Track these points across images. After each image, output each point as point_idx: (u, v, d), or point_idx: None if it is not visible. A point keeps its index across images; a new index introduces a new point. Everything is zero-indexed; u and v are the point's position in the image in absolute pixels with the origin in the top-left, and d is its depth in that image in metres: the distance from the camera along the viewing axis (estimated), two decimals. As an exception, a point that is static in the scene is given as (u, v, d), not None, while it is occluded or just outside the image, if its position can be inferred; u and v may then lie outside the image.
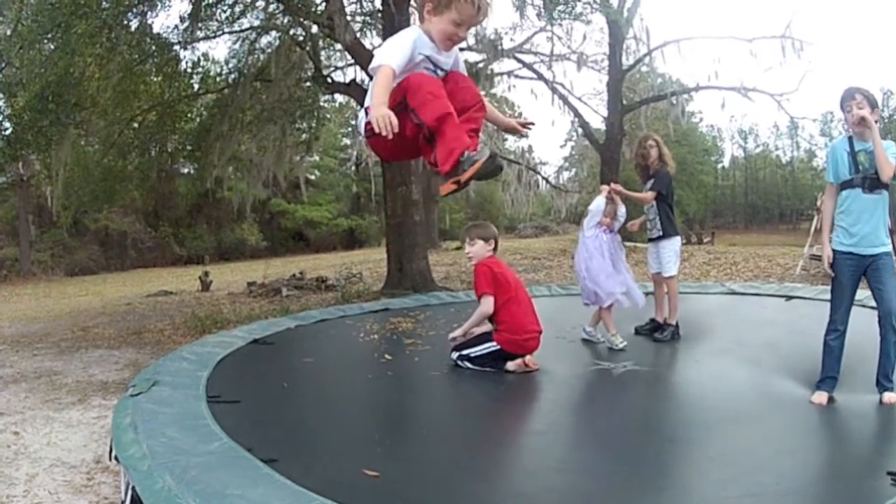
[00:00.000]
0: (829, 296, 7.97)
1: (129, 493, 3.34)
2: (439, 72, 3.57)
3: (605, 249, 6.66)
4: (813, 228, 16.48)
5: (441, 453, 3.77)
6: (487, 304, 5.76)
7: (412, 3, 15.93)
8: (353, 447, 3.84)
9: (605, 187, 7.05)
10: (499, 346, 5.68)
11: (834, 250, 5.02)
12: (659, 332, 6.95)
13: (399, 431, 3.59)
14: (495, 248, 6.03)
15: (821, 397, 4.73)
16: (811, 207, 22.90)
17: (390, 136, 3.18)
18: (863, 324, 5.12)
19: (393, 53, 3.39)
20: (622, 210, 6.86)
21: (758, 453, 3.62)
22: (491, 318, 5.87)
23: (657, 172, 7.25)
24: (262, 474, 3.17)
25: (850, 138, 4.94)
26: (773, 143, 70.98)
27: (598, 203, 6.87)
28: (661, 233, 7.19)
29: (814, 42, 29.97)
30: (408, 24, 15.21)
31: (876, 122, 4.79)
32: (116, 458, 3.59)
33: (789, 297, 8.31)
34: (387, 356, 6.24)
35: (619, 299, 6.64)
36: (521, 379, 5.59)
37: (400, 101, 3.34)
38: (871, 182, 4.77)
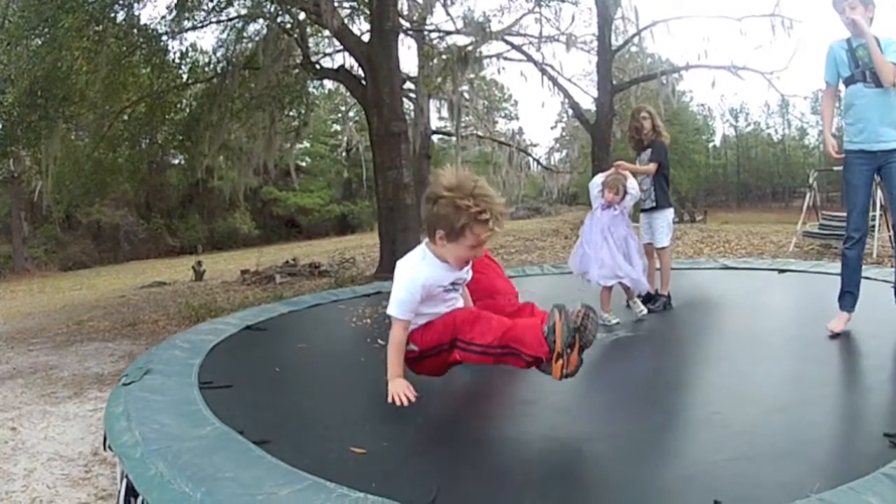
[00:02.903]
0: (823, 269, 8.06)
1: (124, 481, 3.34)
2: (456, 288, 3.55)
3: (595, 229, 6.55)
4: (805, 205, 16.50)
5: (434, 429, 3.76)
6: None
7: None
8: (345, 428, 3.85)
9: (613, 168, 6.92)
10: None
11: (845, 150, 4.93)
12: (650, 303, 6.93)
13: (390, 411, 3.59)
14: None
15: (838, 321, 4.74)
16: (803, 185, 22.92)
17: (406, 404, 3.30)
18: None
19: (404, 303, 3.37)
20: (631, 184, 6.56)
21: (752, 416, 3.62)
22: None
23: (653, 143, 7.23)
24: (254, 456, 3.17)
25: (848, 38, 4.87)
26: (765, 121, 70.83)
27: (594, 180, 6.80)
28: (654, 203, 7.17)
29: (803, 20, 29.85)
30: (395, 9, 15.24)
31: (871, 18, 4.74)
32: (110, 448, 3.60)
33: (783, 271, 8.30)
34: (380, 341, 6.23)
35: (592, 279, 6.51)
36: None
37: (450, 341, 3.37)
38: (872, 75, 4.70)
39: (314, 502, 2.71)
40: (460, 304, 3.56)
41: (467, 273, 3.59)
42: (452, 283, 3.49)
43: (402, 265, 3.49)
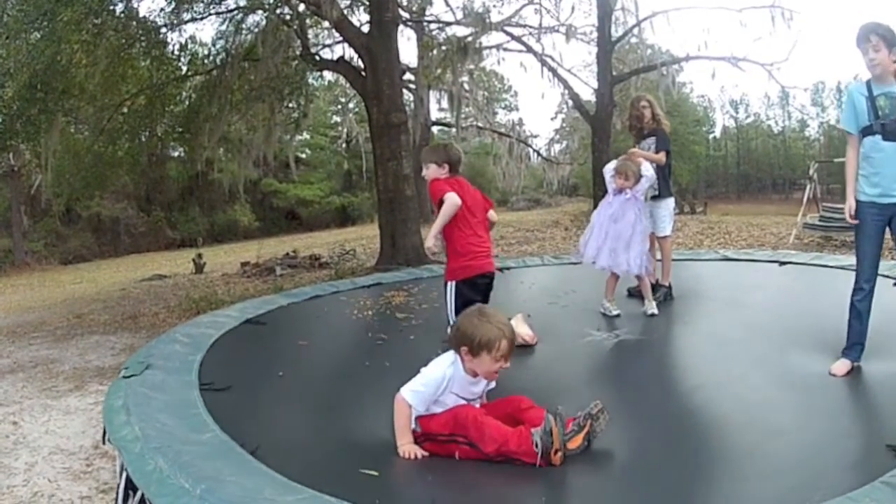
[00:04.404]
0: (822, 261, 8.05)
1: (124, 474, 3.34)
2: (471, 402, 3.71)
3: (604, 213, 6.56)
4: (805, 197, 16.49)
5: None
6: (451, 198, 5.25)
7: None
8: (347, 426, 3.85)
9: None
10: (454, 282, 5.36)
11: (857, 200, 4.67)
12: (652, 293, 6.91)
13: (390, 407, 3.60)
14: (453, 170, 5.57)
15: (842, 367, 4.50)
16: (804, 177, 22.88)
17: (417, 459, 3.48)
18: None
19: (418, 394, 3.57)
20: (645, 168, 6.58)
21: (753, 426, 3.61)
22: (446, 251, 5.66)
23: (655, 132, 7.22)
24: (254, 467, 3.19)
25: (868, 81, 4.57)
26: (765, 112, 70.79)
27: (608, 166, 6.81)
28: (656, 192, 7.17)
29: (803, 11, 29.83)
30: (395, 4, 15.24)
31: (895, 62, 4.42)
32: (110, 441, 3.60)
33: (783, 263, 8.30)
34: (383, 335, 6.22)
35: (585, 258, 6.57)
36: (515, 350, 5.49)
37: (450, 434, 3.53)
38: (892, 128, 4.41)
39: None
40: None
41: (488, 386, 3.82)
42: (465, 399, 3.68)
43: (433, 363, 3.71)
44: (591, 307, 6.56)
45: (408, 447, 3.50)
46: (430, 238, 5.38)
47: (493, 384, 3.87)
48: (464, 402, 3.66)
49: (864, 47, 4.48)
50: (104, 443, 3.85)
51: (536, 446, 3.28)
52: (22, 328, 12.30)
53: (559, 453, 3.31)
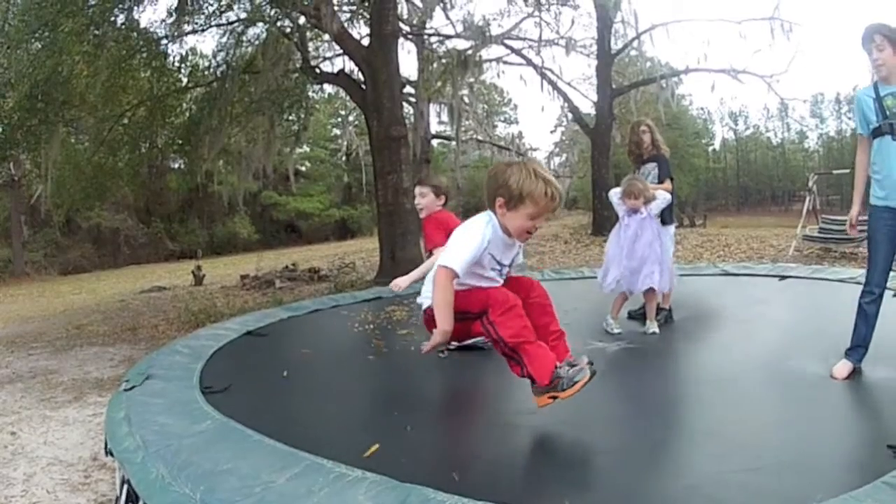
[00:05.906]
0: (823, 275, 8.04)
1: (125, 486, 3.33)
2: (503, 269, 3.65)
3: (623, 235, 6.54)
4: (805, 209, 16.51)
5: (433, 436, 3.76)
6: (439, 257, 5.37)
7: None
8: (345, 433, 3.85)
9: None
10: None
11: (870, 204, 4.57)
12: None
13: (393, 414, 3.60)
14: (445, 204, 5.78)
15: (844, 368, 4.46)
16: (803, 189, 22.92)
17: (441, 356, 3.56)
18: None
19: (461, 257, 3.44)
20: (659, 192, 6.59)
21: (755, 428, 3.61)
22: None
23: (655, 158, 7.19)
24: (252, 443, 3.20)
25: (875, 83, 4.50)
26: (764, 124, 71.09)
27: (612, 190, 6.81)
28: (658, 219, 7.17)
29: (802, 23, 29.95)
30: (395, 13, 15.27)
31: None
32: (110, 453, 3.59)
33: (783, 277, 8.29)
34: (382, 348, 6.22)
35: (609, 286, 6.56)
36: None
37: (478, 311, 3.46)
38: None
39: (312, 487, 2.71)
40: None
41: (512, 253, 3.69)
42: (500, 263, 3.60)
43: (466, 225, 3.62)
44: (595, 324, 6.55)
45: (440, 338, 3.43)
46: (406, 280, 5.47)
47: (520, 257, 3.84)
48: (496, 272, 3.61)
49: (868, 47, 4.45)
50: (106, 454, 3.84)
51: (560, 377, 3.28)
52: (21, 338, 12.29)
53: (552, 400, 3.32)
